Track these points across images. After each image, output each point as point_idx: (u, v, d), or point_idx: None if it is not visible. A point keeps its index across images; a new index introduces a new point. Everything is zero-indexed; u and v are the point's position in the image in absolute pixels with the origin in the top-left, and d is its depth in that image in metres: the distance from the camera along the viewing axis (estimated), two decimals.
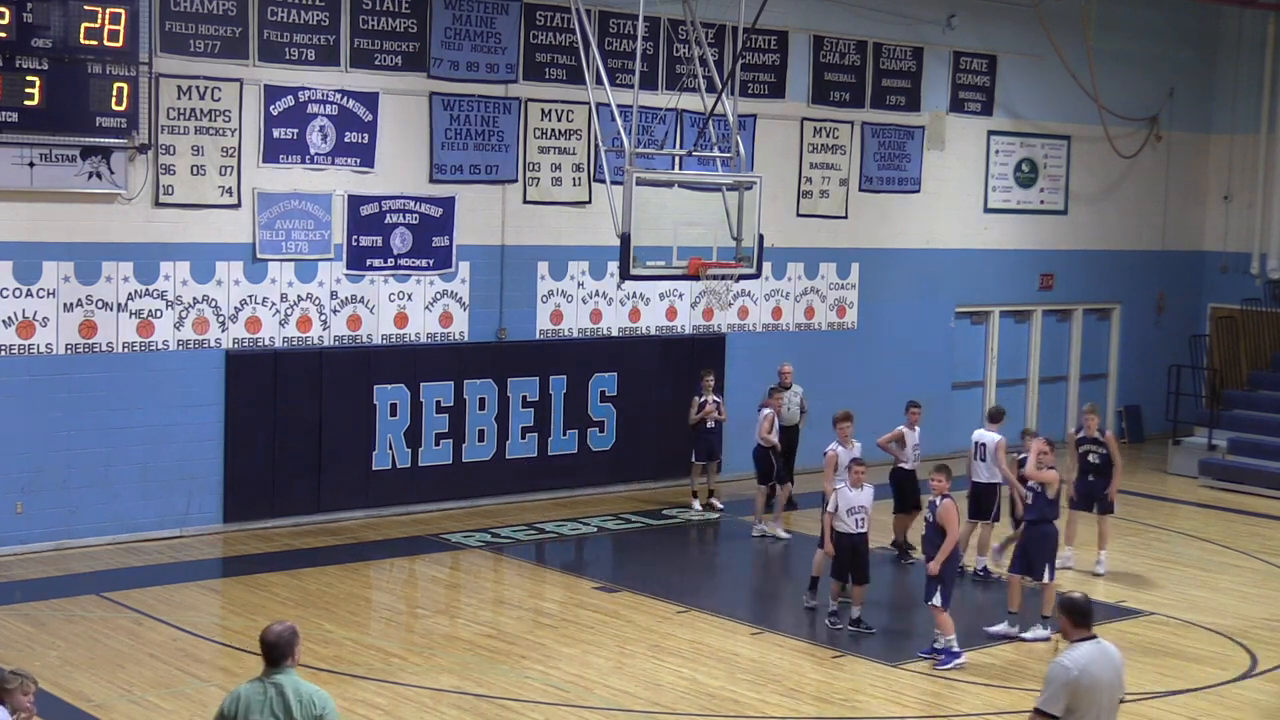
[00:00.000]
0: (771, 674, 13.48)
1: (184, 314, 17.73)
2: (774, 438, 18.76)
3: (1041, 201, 26.03)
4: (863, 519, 14.94)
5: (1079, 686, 8.27)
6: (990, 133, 25.09)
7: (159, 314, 17.56)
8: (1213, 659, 14.53)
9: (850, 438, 16.57)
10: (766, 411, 18.93)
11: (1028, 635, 14.76)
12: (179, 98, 17.37)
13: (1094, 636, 8.52)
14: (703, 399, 19.92)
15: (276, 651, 7.82)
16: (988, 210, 25.29)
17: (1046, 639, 14.42)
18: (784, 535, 18.82)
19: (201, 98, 17.53)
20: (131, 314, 17.35)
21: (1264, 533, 20.50)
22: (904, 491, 17.98)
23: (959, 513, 14.35)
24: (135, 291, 17.35)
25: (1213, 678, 13.91)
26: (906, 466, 17.87)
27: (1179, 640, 15.11)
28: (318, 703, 7.80)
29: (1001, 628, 14.89)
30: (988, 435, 17.16)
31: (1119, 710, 8.57)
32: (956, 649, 13.94)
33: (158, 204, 17.40)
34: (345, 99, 18.57)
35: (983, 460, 17.06)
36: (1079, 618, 8.52)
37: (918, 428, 18.03)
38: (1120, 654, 8.65)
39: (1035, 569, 14.98)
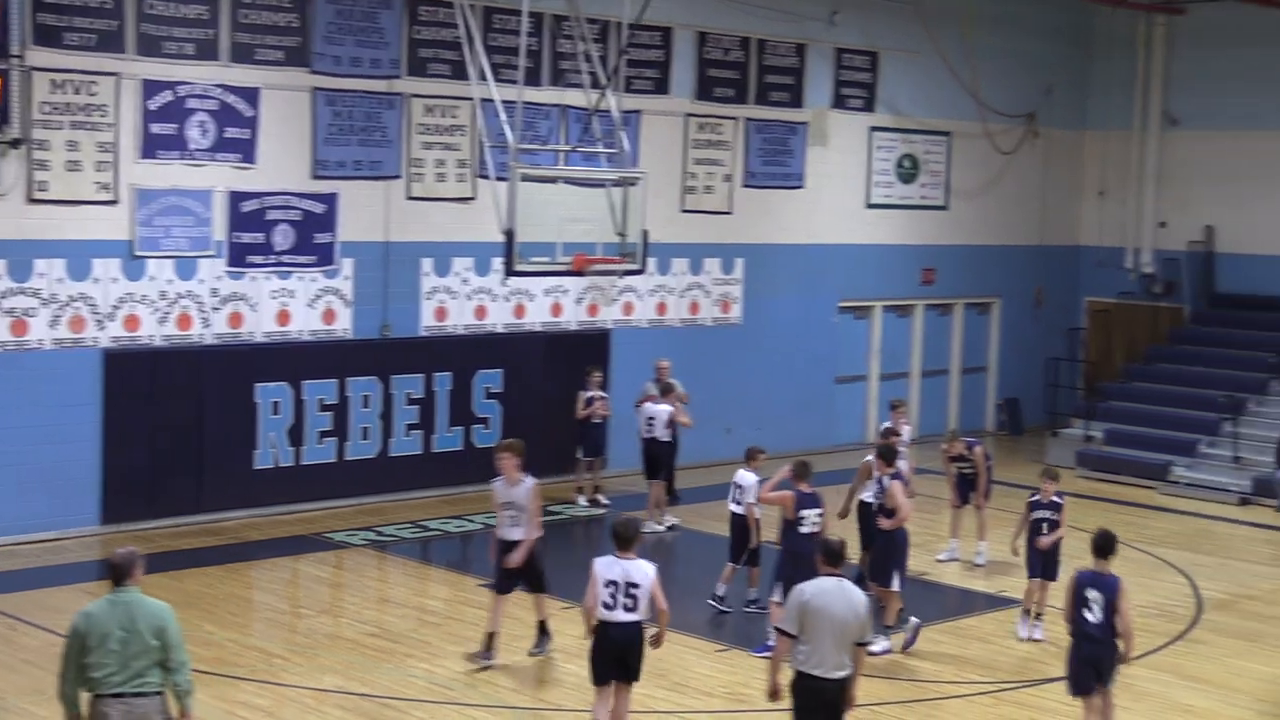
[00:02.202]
0: (657, 668, 13.47)
1: (59, 312, 17.42)
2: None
3: (923, 197, 26.36)
4: (738, 497, 15.33)
5: (808, 609, 9.69)
6: (872, 129, 25.35)
7: (33, 312, 17.24)
8: None
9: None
10: (669, 408, 19.10)
11: (875, 648, 13.54)
12: (53, 92, 17.06)
13: (840, 576, 9.91)
14: (589, 395, 19.95)
15: (121, 571, 9.05)
16: (870, 206, 25.56)
17: (888, 651, 14.20)
18: (667, 526, 19.04)
19: (77, 92, 17.23)
20: (4, 312, 17.02)
21: (1140, 522, 20.93)
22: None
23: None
24: (8, 289, 17.02)
25: None
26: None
27: (1056, 627, 15.36)
28: (160, 615, 9.01)
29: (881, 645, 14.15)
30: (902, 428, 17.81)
31: (859, 650, 9.90)
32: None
33: (31, 200, 17.08)
34: (225, 94, 18.34)
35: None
36: (830, 557, 10.03)
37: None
38: (864, 598, 9.93)
39: (885, 576, 14.52)
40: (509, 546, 13.51)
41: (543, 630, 13.96)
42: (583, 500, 20.25)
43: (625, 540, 11.07)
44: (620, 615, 10.91)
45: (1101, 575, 11.38)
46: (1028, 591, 15.09)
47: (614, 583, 10.94)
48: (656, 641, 11.18)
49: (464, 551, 18.48)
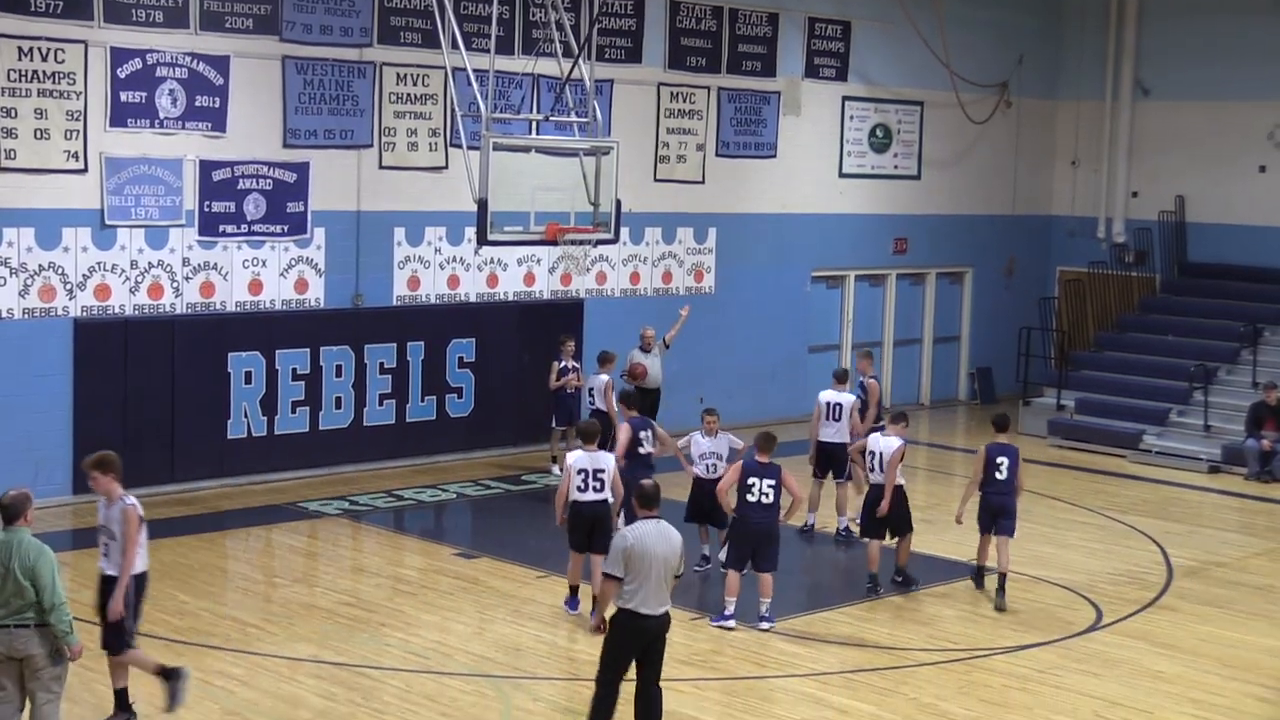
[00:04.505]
0: None
1: (29, 281, 17.32)
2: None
3: (895, 166, 26.37)
4: (713, 466, 15.42)
5: (633, 553, 10.42)
6: (845, 98, 25.33)
7: (3, 281, 17.14)
8: (1060, 613, 14.92)
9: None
10: (606, 378, 19.06)
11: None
12: (20, 59, 16.91)
13: (657, 518, 10.69)
14: (562, 364, 19.94)
15: (11, 512, 9.67)
16: (842, 175, 25.56)
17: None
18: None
19: (44, 59, 17.09)
20: None
21: (1109, 490, 21.06)
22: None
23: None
24: None
25: (1060, 631, 14.28)
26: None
27: (1028, 595, 15.48)
28: (32, 554, 9.53)
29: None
30: (843, 396, 17.44)
31: (673, 581, 10.65)
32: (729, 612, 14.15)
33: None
34: (195, 62, 18.22)
35: (836, 420, 17.35)
36: (645, 501, 10.82)
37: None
38: (679, 536, 10.67)
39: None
40: (106, 584, 10.90)
41: (121, 703, 11.02)
42: (557, 470, 20.22)
43: (589, 436, 13.90)
44: (590, 496, 13.69)
45: (1006, 445, 15.18)
46: None
47: (584, 471, 13.70)
48: (615, 526, 13.47)
49: (438, 521, 18.49)
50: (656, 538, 10.53)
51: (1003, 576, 14.98)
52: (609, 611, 10.77)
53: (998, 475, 15.07)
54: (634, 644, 10.58)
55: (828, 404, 17.44)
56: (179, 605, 14.12)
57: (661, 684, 10.86)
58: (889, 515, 15.29)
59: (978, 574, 15.58)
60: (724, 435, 15.57)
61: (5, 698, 9.68)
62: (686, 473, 15.81)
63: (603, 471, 13.75)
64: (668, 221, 23.17)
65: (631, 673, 10.77)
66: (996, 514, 15.10)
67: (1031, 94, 28.04)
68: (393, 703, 11.85)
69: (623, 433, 15.27)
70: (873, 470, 15.40)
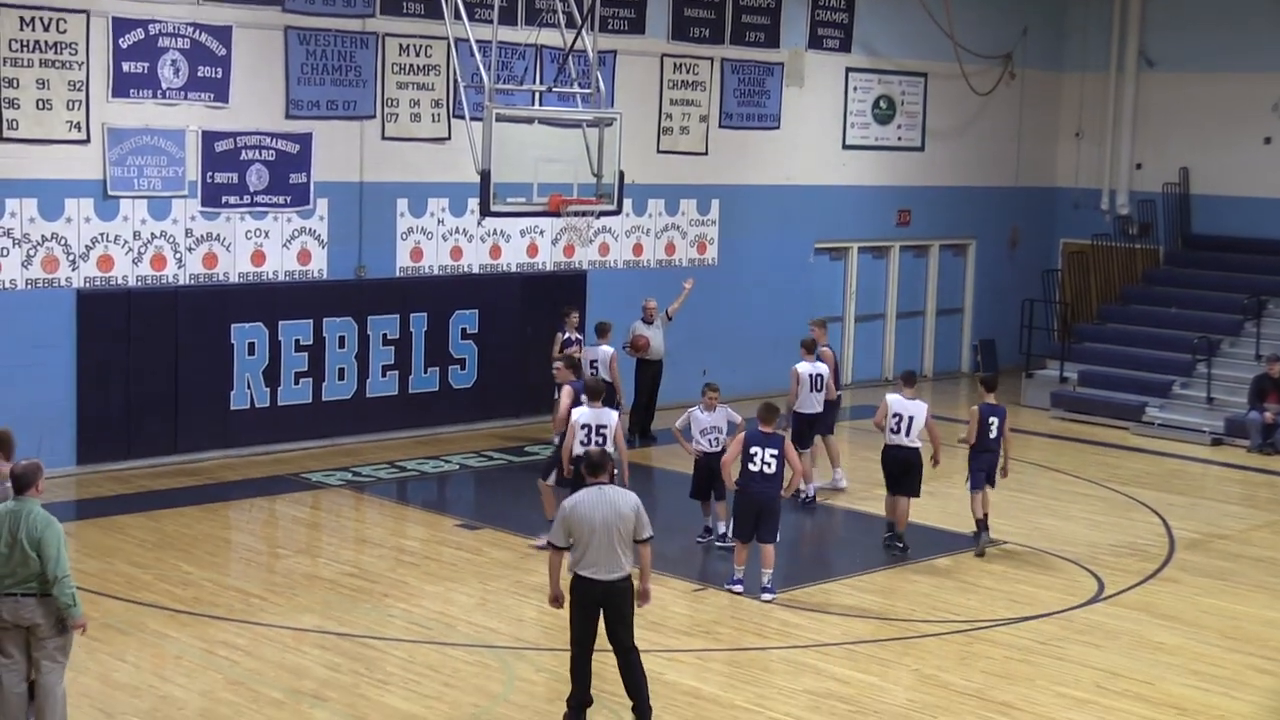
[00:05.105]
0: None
1: (32, 252, 17.32)
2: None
3: (899, 138, 26.32)
4: (716, 439, 15.38)
5: (570, 520, 10.48)
6: (848, 69, 25.27)
7: (5, 252, 17.13)
8: (1062, 585, 14.95)
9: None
10: (610, 350, 19.05)
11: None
12: (22, 29, 16.88)
13: (600, 484, 10.60)
14: (566, 336, 19.92)
15: (22, 482, 9.67)
16: (846, 147, 25.51)
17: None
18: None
19: (46, 29, 17.05)
20: None
21: (1111, 462, 21.06)
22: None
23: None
24: None
25: (1061, 603, 14.30)
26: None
27: (1030, 567, 15.51)
28: (39, 525, 9.52)
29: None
30: (819, 366, 17.63)
31: (638, 547, 10.61)
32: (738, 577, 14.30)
33: (2, 139, 16.92)
34: (198, 32, 18.17)
35: (818, 391, 17.50)
36: (592, 468, 10.75)
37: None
38: (631, 500, 10.55)
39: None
40: None
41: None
42: (558, 441, 20.21)
43: (595, 393, 14.55)
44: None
45: (996, 405, 15.92)
46: None
47: (588, 426, 14.33)
48: (623, 481, 13.50)
49: (440, 492, 18.51)
50: (596, 504, 10.46)
51: (985, 516, 15.91)
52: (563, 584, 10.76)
53: (990, 434, 15.84)
54: (588, 608, 10.61)
55: (810, 376, 17.53)
56: (183, 576, 14.16)
57: (641, 647, 10.87)
58: (910, 475, 15.62)
59: (980, 543, 15.76)
60: (722, 408, 15.55)
61: (12, 665, 9.71)
62: (685, 451, 15.76)
63: (605, 427, 14.33)
64: (671, 193, 23.14)
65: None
66: (990, 470, 15.90)
67: (1035, 65, 27.96)
68: (396, 673, 11.89)
69: (566, 396, 15.15)
70: (895, 431, 15.59)
